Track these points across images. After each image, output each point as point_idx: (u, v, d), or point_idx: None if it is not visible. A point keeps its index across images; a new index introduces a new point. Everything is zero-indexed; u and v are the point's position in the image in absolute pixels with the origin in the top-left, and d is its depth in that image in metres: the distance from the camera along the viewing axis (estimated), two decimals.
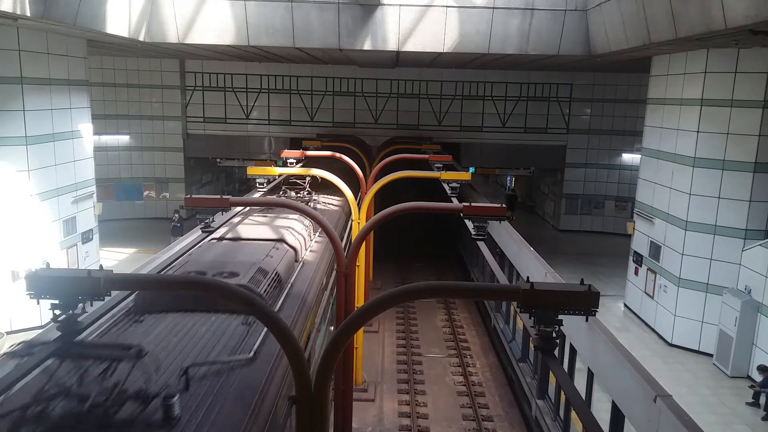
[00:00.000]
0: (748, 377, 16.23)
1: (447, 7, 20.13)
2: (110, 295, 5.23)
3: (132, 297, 7.40)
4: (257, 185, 14.21)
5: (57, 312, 5.36)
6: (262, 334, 6.72)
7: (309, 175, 15.25)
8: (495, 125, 33.05)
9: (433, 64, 28.63)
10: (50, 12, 15.04)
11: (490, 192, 29.26)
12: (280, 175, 15.02)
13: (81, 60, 21.04)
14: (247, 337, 6.75)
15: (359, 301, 14.51)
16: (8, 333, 17.28)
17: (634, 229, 21.78)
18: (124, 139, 33.00)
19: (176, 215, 27.81)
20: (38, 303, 5.25)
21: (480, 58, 23.69)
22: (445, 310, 21.49)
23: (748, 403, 15.10)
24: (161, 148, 33.36)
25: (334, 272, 11.39)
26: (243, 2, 20.12)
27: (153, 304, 7.28)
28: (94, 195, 22.14)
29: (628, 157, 32.38)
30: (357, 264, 12.01)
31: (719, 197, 17.64)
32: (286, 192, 16.28)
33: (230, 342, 6.60)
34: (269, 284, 8.25)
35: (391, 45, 20.53)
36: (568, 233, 33.52)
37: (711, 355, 17.52)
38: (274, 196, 15.22)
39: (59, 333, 5.47)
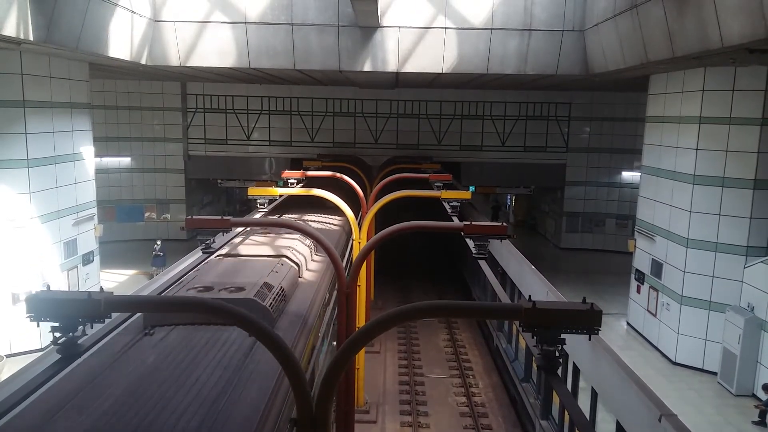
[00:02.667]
0: (753, 395, 16.07)
1: (446, 28, 20.36)
2: (110, 317, 5.20)
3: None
4: (258, 206, 14.23)
5: (57, 335, 5.34)
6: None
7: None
8: (495, 144, 33.20)
9: (433, 84, 28.85)
10: (53, 36, 15.20)
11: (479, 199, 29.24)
12: (281, 196, 15.05)
13: (83, 83, 21.21)
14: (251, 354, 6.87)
15: (360, 320, 14.43)
16: (8, 356, 17.18)
17: (635, 246, 21.74)
18: (125, 161, 33.13)
19: (157, 244, 26.48)
20: (38, 326, 5.23)
21: (479, 78, 23.89)
22: (447, 329, 21.37)
23: (754, 422, 14.93)
24: (162, 169, 33.48)
25: (335, 290, 11.36)
26: (244, 25, 20.36)
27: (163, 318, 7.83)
28: (95, 217, 22.17)
29: (628, 175, 32.45)
30: (358, 284, 11.98)
31: (720, 214, 17.64)
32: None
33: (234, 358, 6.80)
34: (274, 298, 8.30)
35: (391, 66, 20.72)
36: (570, 251, 33.47)
37: (715, 374, 17.37)
38: (275, 217, 15.24)
39: (59, 356, 5.45)
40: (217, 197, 38.75)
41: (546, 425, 12.65)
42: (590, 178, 33.54)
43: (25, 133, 18.03)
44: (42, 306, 5.10)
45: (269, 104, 33.18)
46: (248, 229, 14.76)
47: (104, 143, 31.09)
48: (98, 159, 25.97)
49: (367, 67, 20.73)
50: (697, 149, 18.06)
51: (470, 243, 11.22)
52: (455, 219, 14.99)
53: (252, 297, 7.93)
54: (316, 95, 32.76)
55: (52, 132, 19.37)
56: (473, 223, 10.31)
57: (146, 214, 33.75)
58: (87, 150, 21.59)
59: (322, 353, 10.29)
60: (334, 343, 11.95)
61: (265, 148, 33.57)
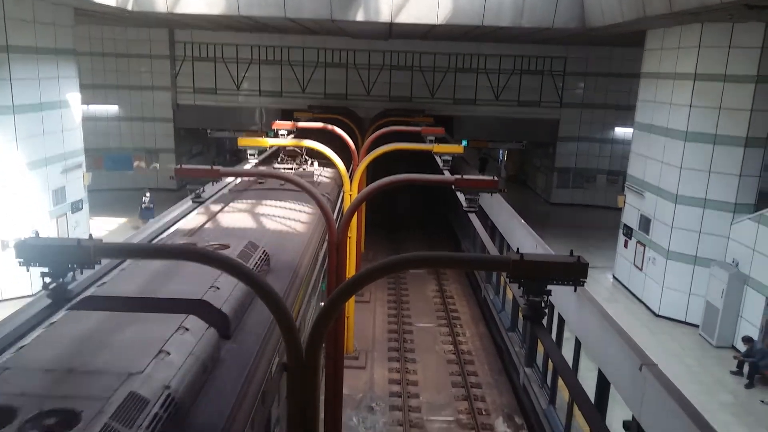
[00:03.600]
0: (733, 347, 16.54)
1: None
2: (100, 264, 5.23)
3: None
4: (248, 156, 14.13)
5: (47, 280, 5.37)
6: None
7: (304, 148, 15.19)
8: (488, 98, 32.89)
9: (427, 36, 28.32)
10: None
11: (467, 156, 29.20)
12: (271, 147, 14.93)
13: (68, 28, 20.65)
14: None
15: (351, 272, 14.59)
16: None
17: (624, 202, 21.91)
18: (113, 109, 32.58)
19: (146, 196, 25.93)
20: (28, 270, 5.25)
21: (474, 30, 23.45)
22: (436, 281, 21.65)
23: (732, 372, 15.42)
24: (151, 118, 32.99)
25: (326, 242, 11.42)
26: None
27: None
28: (83, 165, 21.96)
29: (621, 131, 32.40)
30: (349, 235, 12.04)
31: (710, 171, 17.74)
32: (283, 160, 16.21)
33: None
34: (262, 253, 8.31)
35: (384, 16, 20.27)
36: (560, 207, 33.68)
37: (697, 326, 17.82)
38: (264, 167, 15.16)
39: (50, 301, 5.50)
40: (207, 147, 38.37)
41: (530, 372, 13.01)
42: (583, 134, 33.45)
43: (10, 79, 17.65)
44: (31, 252, 5.11)
45: (260, 53, 32.51)
46: (238, 180, 14.71)
47: (91, 91, 30.51)
48: (85, 107, 25.56)
49: (359, 17, 20.27)
50: (690, 106, 18.00)
51: (461, 197, 11.26)
52: (447, 173, 14.98)
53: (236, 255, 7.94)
54: (307, 45, 32.09)
55: (38, 78, 18.96)
56: (464, 176, 10.31)
57: (135, 163, 33.44)
58: (73, 97, 21.19)
59: (312, 304, 10.43)
60: (321, 304, 12.11)
61: (255, 99, 33.08)
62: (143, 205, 25.52)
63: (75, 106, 21.32)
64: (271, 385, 6.35)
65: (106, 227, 25.27)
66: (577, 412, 10.43)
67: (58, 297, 5.60)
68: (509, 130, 33.80)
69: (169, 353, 4.92)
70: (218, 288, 6.37)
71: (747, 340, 15.30)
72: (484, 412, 13.34)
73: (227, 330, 5.99)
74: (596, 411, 5.08)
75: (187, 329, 5.36)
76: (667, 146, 19.07)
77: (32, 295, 17.32)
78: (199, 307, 5.83)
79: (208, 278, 6.47)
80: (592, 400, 8.29)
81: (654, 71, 20.23)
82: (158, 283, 6.45)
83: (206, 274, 6.46)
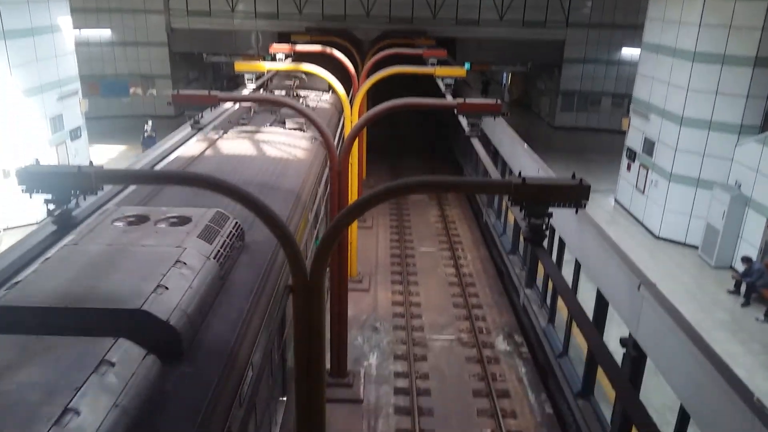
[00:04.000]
0: (731, 268, 16.80)
1: None
2: (102, 190, 5.23)
3: None
4: (246, 81, 13.84)
5: (51, 207, 5.39)
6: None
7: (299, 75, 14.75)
8: (492, 18, 31.80)
9: None
10: None
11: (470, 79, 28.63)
12: (268, 71, 14.60)
13: None
14: None
15: (353, 198, 14.62)
16: (5, 230, 17.48)
17: (629, 125, 21.64)
18: (106, 33, 31.67)
19: (148, 125, 25.10)
20: (31, 197, 5.26)
21: None
22: (438, 206, 21.75)
23: (729, 291, 15.73)
24: (145, 43, 32.12)
25: (328, 169, 11.40)
26: None
27: None
28: (79, 91, 21.60)
29: (628, 52, 31.53)
30: (350, 162, 11.98)
31: (717, 92, 17.41)
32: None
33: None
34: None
35: None
36: (563, 130, 33.31)
37: (697, 248, 18.03)
38: (262, 93, 14.89)
39: (55, 227, 5.54)
40: (203, 73, 37.55)
41: (530, 293, 13.30)
42: (589, 56, 32.58)
43: None
44: (33, 179, 5.10)
45: None
46: (236, 106, 14.49)
47: (82, 14, 29.51)
48: (77, 31, 24.81)
49: None
50: (700, 24, 17.42)
51: (463, 121, 11.10)
52: (449, 97, 14.71)
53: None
54: None
55: (27, 1, 18.33)
56: (467, 100, 10.13)
57: (131, 90, 32.87)
58: (65, 21, 20.57)
59: (315, 233, 10.52)
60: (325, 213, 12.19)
61: (251, 21, 32.04)
62: (145, 134, 25.14)
63: (67, 30, 20.73)
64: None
65: (106, 155, 25.15)
66: (575, 330, 10.74)
67: (63, 223, 5.64)
68: (513, 52, 32.88)
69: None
70: (167, 288, 4.71)
71: (746, 260, 15.51)
72: (484, 331, 13.74)
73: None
74: (594, 328, 5.21)
75: (111, 364, 3.80)
76: (674, 67, 18.62)
77: (38, 223, 17.51)
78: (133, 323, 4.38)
79: (154, 273, 4.81)
80: (591, 319, 8.50)
81: None
82: (87, 283, 4.79)
83: (152, 269, 4.95)
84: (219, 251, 5.68)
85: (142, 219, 5.98)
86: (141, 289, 4.63)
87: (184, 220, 5.98)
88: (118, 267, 4.98)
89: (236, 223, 6.40)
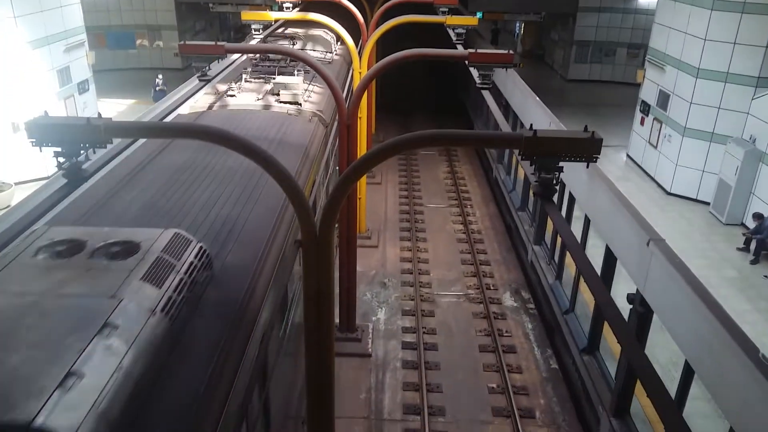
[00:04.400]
0: (742, 224, 16.69)
1: None
2: (111, 143, 5.21)
3: None
4: (253, 31, 13.60)
5: (61, 160, 5.39)
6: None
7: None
8: None
9: None
10: None
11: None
12: (276, 20, 14.32)
13: None
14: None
15: (362, 153, 14.53)
16: (16, 184, 17.59)
17: (644, 77, 21.18)
18: None
19: (159, 78, 24.96)
20: (41, 150, 5.25)
21: None
22: (447, 162, 21.61)
23: (738, 249, 15.67)
24: None
25: (336, 123, 11.29)
26: None
27: None
28: (86, 43, 21.35)
29: (645, 1, 30.57)
30: (359, 115, 11.86)
31: (735, 43, 16.93)
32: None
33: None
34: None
35: None
36: (577, 83, 32.68)
37: (708, 204, 17.89)
38: (270, 44, 14.63)
39: (65, 180, 5.55)
40: (210, 23, 36.90)
41: (538, 250, 13.33)
42: (605, 4, 31.64)
43: None
44: (42, 131, 5.09)
45: None
46: (244, 58, 14.28)
47: None
48: None
49: None
50: None
51: (474, 73, 10.90)
52: (460, 47, 14.41)
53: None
54: None
55: None
56: (479, 51, 9.91)
57: (138, 42, 32.45)
58: None
59: (322, 193, 10.51)
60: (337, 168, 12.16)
61: None
62: (156, 88, 24.87)
63: None
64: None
65: (115, 109, 25.04)
66: (582, 287, 10.79)
67: (73, 176, 5.65)
68: (527, 0, 31.95)
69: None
70: (81, 378, 3.26)
71: (757, 216, 15.38)
72: (492, 287, 13.84)
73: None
74: (602, 284, 5.22)
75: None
76: (692, 15, 18.07)
77: (48, 177, 17.60)
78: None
79: (68, 350, 3.39)
80: (599, 274, 8.52)
81: None
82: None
83: (67, 341, 3.49)
84: (171, 298, 4.23)
85: (74, 248, 4.53)
86: (41, 382, 3.13)
87: (129, 250, 4.52)
88: (18, 337, 3.48)
89: (200, 248, 4.94)
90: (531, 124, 5.92)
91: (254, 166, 4.70)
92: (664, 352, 9.58)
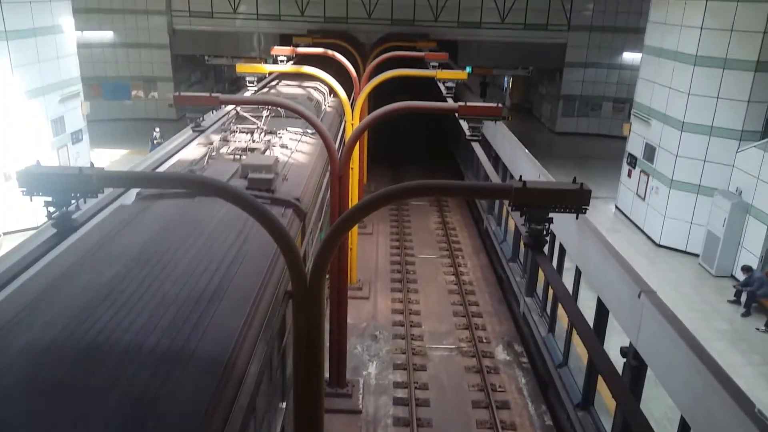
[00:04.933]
0: (732, 277, 16.75)
1: None
2: (102, 193, 5.20)
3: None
4: (247, 83, 13.83)
5: (51, 209, 5.36)
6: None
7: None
8: (494, 21, 31.82)
9: None
10: None
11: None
12: (270, 74, 14.58)
13: None
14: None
15: (353, 203, 14.59)
16: (5, 234, 17.45)
17: (630, 130, 21.63)
18: (107, 35, 31.72)
19: (156, 131, 24.94)
20: (31, 200, 5.23)
21: None
22: (438, 212, 21.71)
23: (729, 301, 15.68)
24: (146, 44, 32.15)
25: (328, 173, 11.36)
26: None
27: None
28: (81, 94, 21.61)
29: (629, 57, 31.55)
30: (351, 166, 11.96)
31: (718, 97, 17.41)
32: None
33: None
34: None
35: None
36: (564, 135, 33.30)
37: (697, 256, 17.98)
38: (265, 95, 14.86)
39: (54, 230, 5.51)
40: (205, 75, 37.59)
41: (530, 301, 13.26)
42: (590, 60, 32.62)
43: (0, 3, 17.07)
44: (34, 180, 5.08)
45: None
46: (238, 108, 14.46)
47: (84, 15, 29.52)
48: (79, 33, 24.81)
49: None
50: (701, 28, 17.44)
51: (464, 125, 11.09)
52: (450, 100, 14.70)
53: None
54: None
55: (29, 1, 18.38)
56: (468, 104, 10.11)
57: (133, 93, 32.91)
58: (67, 22, 20.60)
59: (316, 237, 10.48)
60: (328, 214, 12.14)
61: (253, 23, 32.07)
62: (154, 141, 24.98)
63: (69, 31, 20.76)
64: None
65: (108, 158, 25.14)
66: (575, 339, 10.70)
67: (62, 227, 5.61)
68: (515, 55, 32.89)
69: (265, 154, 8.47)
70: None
71: (746, 269, 15.46)
72: (484, 340, 13.68)
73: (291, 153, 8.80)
74: (595, 337, 5.18)
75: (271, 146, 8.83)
76: (675, 71, 18.62)
77: (38, 227, 17.48)
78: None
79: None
80: (591, 327, 8.46)
81: None
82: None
83: None
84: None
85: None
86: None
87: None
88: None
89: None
90: (520, 176, 5.99)
91: (238, 222, 4.78)
92: (659, 407, 9.44)
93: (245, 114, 12.18)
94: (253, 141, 10.52)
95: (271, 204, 7.75)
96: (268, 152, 10.04)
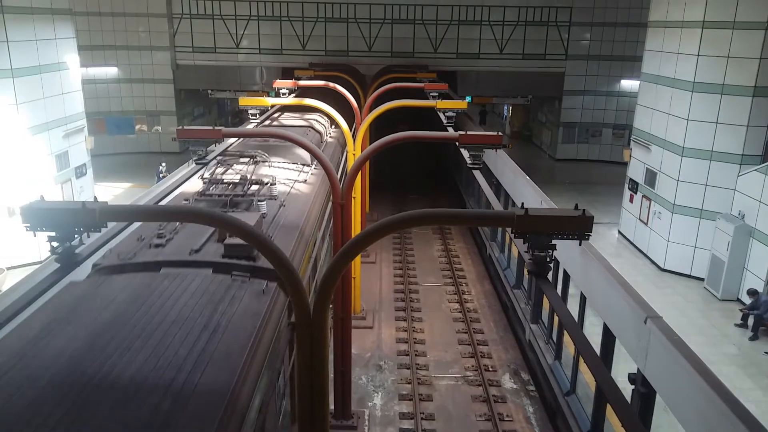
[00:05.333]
0: (738, 300, 16.62)
1: None
2: (106, 226, 5.23)
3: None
4: (250, 117, 13.99)
5: (54, 244, 5.39)
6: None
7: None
8: (492, 52, 32.28)
9: None
10: None
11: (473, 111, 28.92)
12: (272, 106, 14.76)
13: None
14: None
15: (356, 232, 14.60)
16: (8, 269, 17.46)
17: (630, 156, 21.72)
18: (112, 71, 32.21)
19: (162, 166, 25.36)
20: (35, 235, 5.26)
21: None
22: (441, 240, 21.69)
23: (736, 325, 15.53)
24: (150, 79, 32.63)
25: (331, 203, 11.40)
26: None
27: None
28: (85, 129, 21.86)
29: (627, 84, 31.88)
30: (353, 195, 12.00)
31: (717, 122, 17.52)
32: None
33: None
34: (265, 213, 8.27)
35: None
36: (565, 162, 33.45)
37: (702, 280, 17.88)
38: (267, 127, 15.02)
39: (58, 265, 5.53)
40: (208, 109, 38.07)
41: (536, 329, 13.15)
42: (589, 87, 32.96)
43: (7, 41, 17.41)
44: (37, 215, 5.12)
45: (258, 9, 31.85)
46: (240, 140, 14.60)
47: (89, 52, 30.10)
48: (84, 69, 25.23)
49: None
50: (698, 55, 17.64)
51: (465, 154, 11.16)
52: (450, 129, 14.82)
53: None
54: None
55: (35, 40, 18.70)
56: (469, 132, 10.20)
57: (137, 127, 33.27)
58: (72, 59, 20.94)
59: (319, 266, 10.47)
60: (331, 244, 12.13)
61: (255, 57, 32.58)
62: (160, 175, 25.16)
63: (74, 68, 21.08)
64: None
65: (112, 192, 25.30)
66: (582, 367, 10.57)
67: (66, 261, 5.63)
68: (514, 84, 33.28)
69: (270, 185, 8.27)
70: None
71: (752, 292, 15.36)
72: (490, 369, 13.53)
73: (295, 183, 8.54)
74: (602, 364, 5.13)
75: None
76: (674, 97, 18.79)
77: (41, 261, 17.50)
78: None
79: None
80: (598, 354, 8.38)
81: (661, 20, 19.76)
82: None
83: None
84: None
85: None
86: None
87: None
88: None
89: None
90: (522, 203, 6.00)
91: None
92: None
93: (234, 152, 12.11)
94: (247, 181, 9.71)
95: (251, 277, 6.49)
96: (265, 189, 9.53)
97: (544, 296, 12.39)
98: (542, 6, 31.64)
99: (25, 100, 18.27)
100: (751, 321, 15.20)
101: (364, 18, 31.89)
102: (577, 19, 32.01)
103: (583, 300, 10.48)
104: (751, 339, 14.91)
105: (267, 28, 32.08)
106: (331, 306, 8.45)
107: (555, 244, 5.30)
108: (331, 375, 10.48)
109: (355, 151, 14.63)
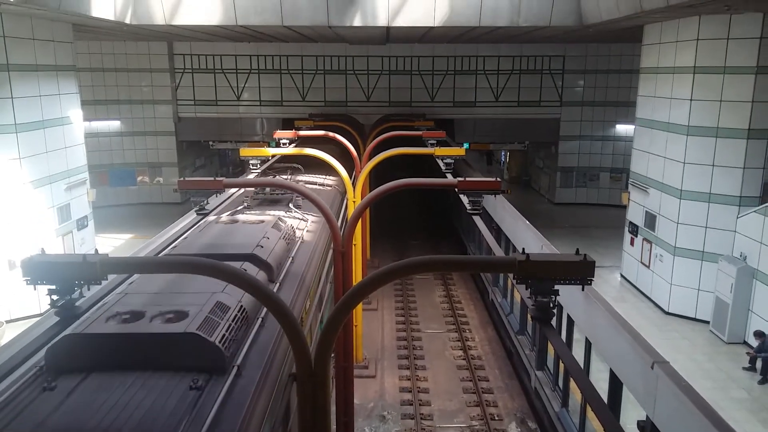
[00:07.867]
0: (745, 343, 16.41)
1: None
2: (107, 279, 5.21)
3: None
4: (250, 166, 14.14)
5: (54, 297, 5.36)
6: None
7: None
8: (488, 99, 32.88)
9: (424, 39, 28.36)
10: None
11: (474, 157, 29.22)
12: (273, 156, 14.94)
13: (67, 45, 20.75)
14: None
15: (357, 279, 14.54)
16: (8, 322, 17.30)
17: (629, 199, 21.83)
18: (115, 124, 32.73)
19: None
20: (35, 289, 5.24)
21: (471, 31, 23.48)
22: (443, 286, 21.58)
23: (744, 368, 15.28)
24: (153, 132, 33.12)
25: (332, 250, 11.40)
26: None
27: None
28: (87, 181, 22.03)
29: (622, 128, 32.33)
30: (354, 242, 12.01)
31: (713, 165, 17.67)
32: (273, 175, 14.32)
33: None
34: (266, 263, 8.27)
35: (381, 20, 20.30)
36: (564, 206, 33.59)
37: (707, 322, 17.68)
38: (268, 177, 15.15)
39: (58, 318, 5.49)
40: (210, 160, 38.50)
41: (541, 375, 12.93)
42: (584, 132, 33.41)
43: (12, 98, 17.73)
44: (38, 269, 5.11)
45: (258, 63, 32.61)
46: (241, 191, 14.71)
47: (92, 106, 30.65)
48: (87, 123, 25.64)
49: (356, 22, 20.31)
50: (691, 100, 17.95)
51: (465, 199, 11.24)
52: (449, 176, 14.96)
53: (250, 252, 7.95)
54: (305, 53, 32.18)
55: (39, 96, 19.05)
56: (467, 179, 10.29)
57: (139, 178, 33.56)
58: (75, 113, 21.28)
59: (320, 314, 10.39)
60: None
61: (256, 109, 33.16)
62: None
63: (77, 122, 21.41)
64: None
65: (112, 243, 25.32)
66: (590, 414, 10.35)
67: (66, 314, 5.59)
68: (510, 130, 33.77)
69: (268, 238, 7.99)
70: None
71: (759, 334, 15.17)
72: (496, 418, 13.25)
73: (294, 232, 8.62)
74: (610, 412, 5.03)
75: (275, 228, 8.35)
76: (669, 141, 19.02)
77: (40, 314, 17.35)
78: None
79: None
80: (605, 400, 8.22)
81: (653, 66, 20.19)
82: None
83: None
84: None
85: (135, 316, 5.87)
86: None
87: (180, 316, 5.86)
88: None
89: (241, 307, 6.42)
90: (523, 248, 6.00)
91: None
92: None
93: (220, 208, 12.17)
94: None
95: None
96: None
97: (549, 342, 12.25)
98: (536, 55, 32.40)
99: (28, 154, 18.48)
100: (759, 364, 14.96)
101: (362, 69, 32.63)
102: (570, 66, 32.73)
103: (588, 345, 10.35)
104: (761, 383, 14.64)
105: (267, 80, 32.77)
106: (333, 355, 8.34)
107: (558, 290, 5.28)
108: (334, 427, 10.24)
109: (355, 199, 14.72)
